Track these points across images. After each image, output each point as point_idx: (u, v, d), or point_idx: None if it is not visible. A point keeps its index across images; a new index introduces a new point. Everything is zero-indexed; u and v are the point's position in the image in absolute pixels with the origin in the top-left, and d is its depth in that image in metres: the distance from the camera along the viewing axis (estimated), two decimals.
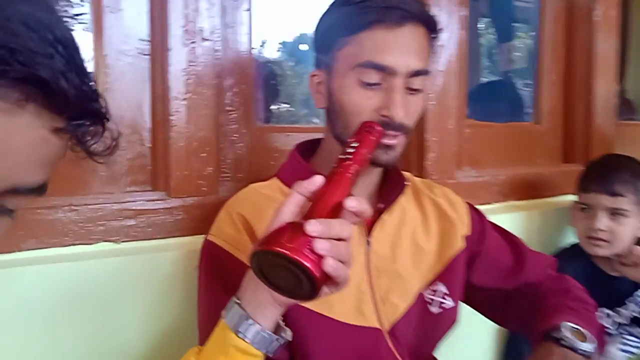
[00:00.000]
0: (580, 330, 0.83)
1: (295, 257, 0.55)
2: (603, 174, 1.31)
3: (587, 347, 0.81)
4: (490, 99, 2.22)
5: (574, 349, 0.80)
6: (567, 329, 0.82)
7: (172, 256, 0.93)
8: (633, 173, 1.31)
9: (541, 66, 1.65)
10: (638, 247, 1.29)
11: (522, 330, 1.00)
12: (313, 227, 0.56)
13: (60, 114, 0.39)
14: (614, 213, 1.29)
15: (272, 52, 1.43)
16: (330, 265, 0.56)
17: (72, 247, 0.87)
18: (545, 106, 1.66)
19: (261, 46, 1.19)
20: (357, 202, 0.60)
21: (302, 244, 0.55)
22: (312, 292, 0.58)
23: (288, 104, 1.35)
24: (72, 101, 0.39)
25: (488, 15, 2.63)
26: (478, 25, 2.60)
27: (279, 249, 0.55)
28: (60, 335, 0.85)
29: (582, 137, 1.67)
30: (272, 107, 1.31)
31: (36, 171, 0.40)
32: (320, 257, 0.55)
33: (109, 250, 0.90)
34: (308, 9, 1.36)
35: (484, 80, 2.82)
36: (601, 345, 0.94)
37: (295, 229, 0.57)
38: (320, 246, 0.55)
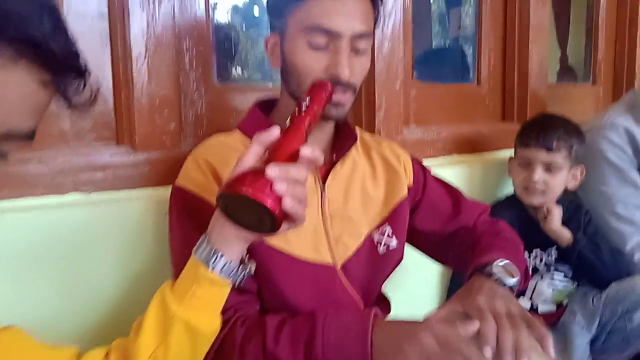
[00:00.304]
0: (508, 266, 0.92)
1: (257, 197, 0.62)
2: (541, 131, 1.40)
3: (513, 281, 0.90)
4: (439, 64, 2.32)
5: (502, 283, 0.89)
6: (497, 265, 0.91)
7: (140, 206, 0.99)
8: (566, 130, 1.41)
9: (481, 32, 1.74)
10: (552, 204, 1.41)
11: (460, 268, 1.09)
12: (272, 171, 0.63)
13: (48, 69, 0.45)
14: (549, 166, 1.40)
15: (225, 16, 1.47)
16: (288, 203, 0.63)
17: (43, 197, 0.92)
18: (485, 69, 1.76)
19: (214, 9, 1.23)
20: (311, 150, 0.67)
21: (263, 185, 0.63)
22: (273, 228, 0.66)
23: (242, 67, 1.40)
24: (59, 59, 0.45)
25: None
26: None
27: (243, 190, 0.62)
28: (34, 280, 0.90)
29: (519, 97, 1.78)
30: (228, 70, 1.35)
31: (27, 119, 0.46)
32: (279, 197, 0.63)
33: (80, 201, 0.95)
34: None
35: (435, 44, 2.89)
36: (526, 280, 1.06)
37: (256, 173, 0.64)
38: (279, 187, 0.63)
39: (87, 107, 0.52)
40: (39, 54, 0.44)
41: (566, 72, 2.65)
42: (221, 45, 1.30)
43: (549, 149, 1.39)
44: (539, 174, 1.39)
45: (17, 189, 0.89)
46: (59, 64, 0.46)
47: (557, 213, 1.39)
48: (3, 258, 0.87)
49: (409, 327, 0.76)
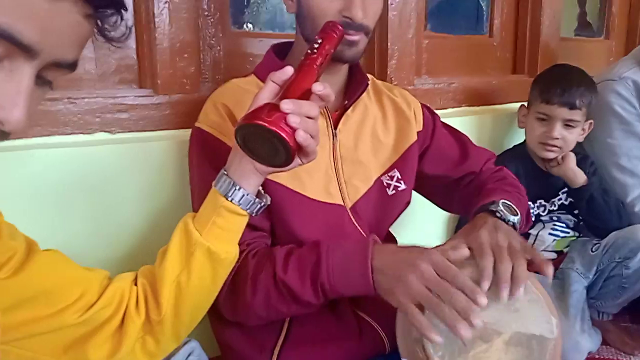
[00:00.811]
0: (511, 206, 0.97)
1: (274, 128, 0.66)
2: (565, 89, 1.40)
3: (515, 219, 0.95)
4: (453, 13, 2.30)
5: (505, 220, 0.94)
6: (501, 204, 0.96)
7: (162, 146, 1.05)
8: (587, 87, 1.42)
9: None
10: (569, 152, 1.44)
11: (465, 211, 1.14)
12: (287, 105, 0.67)
13: (91, 2, 0.48)
14: (568, 123, 1.42)
15: None
16: (301, 136, 0.68)
17: (72, 135, 0.97)
18: (498, 21, 1.76)
19: None
20: (322, 86, 0.71)
21: (279, 118, 0.67)
22: (287, 160, 0.70)
23: (252, 24, 1.42)
24: None
25: None
26: None
27: (260, 122, 0.67)
28: (66, 212, 0.96)
29: (530, 50, 1.79)
30: (243, 17, 1.37)
31: (72, 49, 0.50)
32: (293, 129, 0.67)
33: (106, 140, 1.01)
34: None
35: None
36: (527, 224, 1.11)
37: (272, 107, 0.68)
38: (293, 120, 0.67)
39: (121, 41, 0.55)
40: None
41: (584, 28, 2.63)
42: None
43: (572, 107, 1.40)
44: (558, 130, 1.42)
45: (48, 127, 0.94)
46: None
47: (572, 155, 1.43)
48: (36, 191, 0.93)
49: (409, 254, 0.80)
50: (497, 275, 0.79)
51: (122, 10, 0.53)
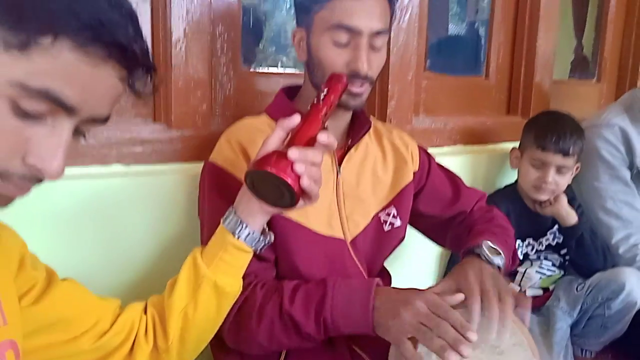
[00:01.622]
0: (495, 247, 1.03)
1: (281, 175, 0.73)
2: (560, 137, 1.45)
3: (499, 260, 1.01)
4: (453, 52, 2.37)
5: (490, 262, 1.00)
6: (486, 246, 1.02)
7: (174, 179, 1.10)
8: (579, 134, 1.49)
9: (492, 27, 1.81)
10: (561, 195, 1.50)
11: (456, 249, 1.20)
12: (293, 153, 0.74)
13: (127, 67, 0.54)
14: (561, 169, 1.48)
15: (253, 3, 1.55)
16: (305, 182, 0.74)
17: (90, 166, 1.03)
18: (494, 64, 1.84)
19: None
20: (326, 136, 0.78)
21: (286, 165, 0.73)
22: (291, 203, 0.77)
23: (266, 54, 1.48)
24: (139, 59, 0.54)
25: None
26: None
27: (269, 169, 0.73)
28: (81, 239, 1.01)
29: (524, 92, 1.86)
30: (254, 56, 1.44)
31: (107, 107, 0.55)
32: (298, 176, 0.74)
33: (121, 172, 1.06)
34: None
35: (452, 27, 2.89)
36: (514, 263, 1.17)
37: (280, 154, 0.75)
38: (299, 167, 0.73)
39: (148, 96, 0.61)
40: (124, 55, 0.52)
41: (580, 62, 2.71)
42: (248, 32, 1.39)
43: (566, 154, 1.46)
44: (552, 176, 1.48)
45: (68, 159, 0.99)
46: (138, 63, 0.55)
47: (564, 196, 1.50)
48: (55, 219, 0.98)
49: (406, 294, 0.87)
50: (485, 317, 0.85)
51: (152, 71, 0.58)
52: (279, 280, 0.97)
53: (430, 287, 0.92)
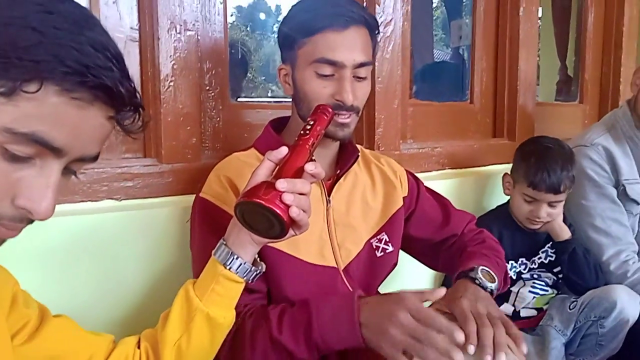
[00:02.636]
0: (490, 272, 1.04)
1: (270, 205, 0.74)
2: (551, 174, 1.44)
3: (493, 286, 1.02)
4: (439, 78, 2.42)
5: (483, 287, 1.01)
6: (480, 270, 1.03)
7: (165, 212, 1.11)
8: (570, 166, 1.48)
9: (474, 54, 1.87)
10: None
11: (448, 272, 1.22)
12: (281, 184, 0.75)
13: (114, 107, 0.55)
14: (553, 203, 1.49)
15: (240, 39, 1.59)
16: (294, 212, 0.75)
17: (81, 203, 1.04)
18: (478, 89, 1.88)
19: (230, 34, 1.34)
20: (314, 166, 0.79)
21: (274, 196, 0.74)
22: (281, 233, 0.78)
23: (248, 73, 1.51)
24: (126, 100, 0.55)
25: None
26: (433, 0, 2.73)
27: (258, 200, 0.74)
28: (73, 275, 1.01)
29: (508, 116, 1.90)
30: (241, 89, 1.47)
31: (95, 146, 0.56)
32: (287, 206, 0.74)
33: (112, 207, 1.07)
34: None
35: (437, 52, 2.95)
36: (505, 285, 1.18)
37: (268, 185, 0.76)
38: (287, 198, 0.74)
39: (137, 134, 0.62)
40: (111, 97, 0.54)
41: (565, 84, 2.78)
42: (235, 65, 1.42)
43: (557, 192, 1.46)
44: (544, 211, 1.48)
45: (59, 195, 1.00)
46: (126, 103, 0.56)
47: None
48: (47, 256, 0.99)
49: (389, 306, 0.86)
50: (480, 341, 0.86)
51: (140, 110, 0.59)
52: (264, 306, 0.97)
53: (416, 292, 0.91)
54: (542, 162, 1.47)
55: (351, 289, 1.06)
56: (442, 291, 0.88)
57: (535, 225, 1.52)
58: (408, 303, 0.85)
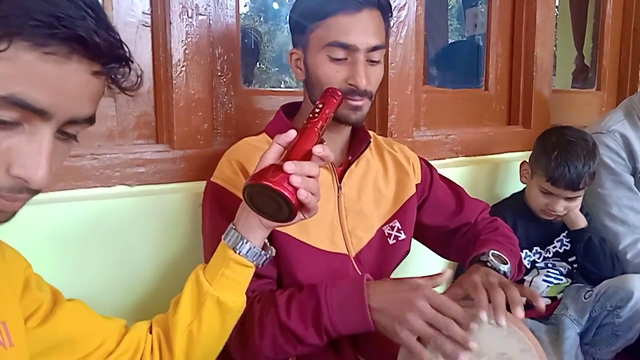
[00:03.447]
0: (501, 256, 1.03)
1: (277, 187, 0.73)
2: (572, 171, 1.39)
3: (505, 267, 1.02)
4: (453, 62, 2.39)
5: (496, 269, 1.00)
6: (492, 254, 1.02)
7: (177, 198, 1.11)
8: (591, 162, 1.44)
9: (489, 40, 1.84)
10: None
11: (461, 260, 1.20)
12: (289, 166, 0.74)
13: (96, 60, 0.52)
14: (571, 199, 1.46)
15: (252, 24, 1.58)
16: (302, 194, 0.74)
17: (94, 189, 1.04)
18: (493, 75, 1.85)
19: (243, 19, 1.33)
20: (322, 149, 0.78)
21: (282, 178, 0.73)
22: (290, 216, 0.77)
23: (261, 63, 1.51)
24: (104, 50, 0.51)
25: None
26: None
27: (265, 182, 0.73)
28: (85, 260, 1.02)
29: (524, 102, 1.87)
30: (252, 75, 1.47)
31: (86, 105, 0.53)
32: (295, 188, 0.74)
33: (124, 192, 1.07)
34: None
35: (451, 41, 2.90)
36: (520, 271, 1.17)
37: (276, 168, 0.75)
38: (295, 180, 0.73)
39: (134, 90, 0.59)
40: (86, 48, 0.49)
41: (581, 72, 2.73)
42: (247, 52, 1.41)
43: (576, 189, 1.43)
44: (562, 206, 1.46)
45: (71, 182, 1.01)
46: (105, 54, 0.51)
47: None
48: (60, 241, 0.99)
49: (404, 293, 0.86)
50: (493, 304, 0.86)
51: (129, 61, 0.56)
52: (272, 291, 0.97)
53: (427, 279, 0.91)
54: (564, 157, 1.42)
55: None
56: (449, 273, 0.89)
57: (550, 217, 1.50)
58: (426, 291, 0.85)
